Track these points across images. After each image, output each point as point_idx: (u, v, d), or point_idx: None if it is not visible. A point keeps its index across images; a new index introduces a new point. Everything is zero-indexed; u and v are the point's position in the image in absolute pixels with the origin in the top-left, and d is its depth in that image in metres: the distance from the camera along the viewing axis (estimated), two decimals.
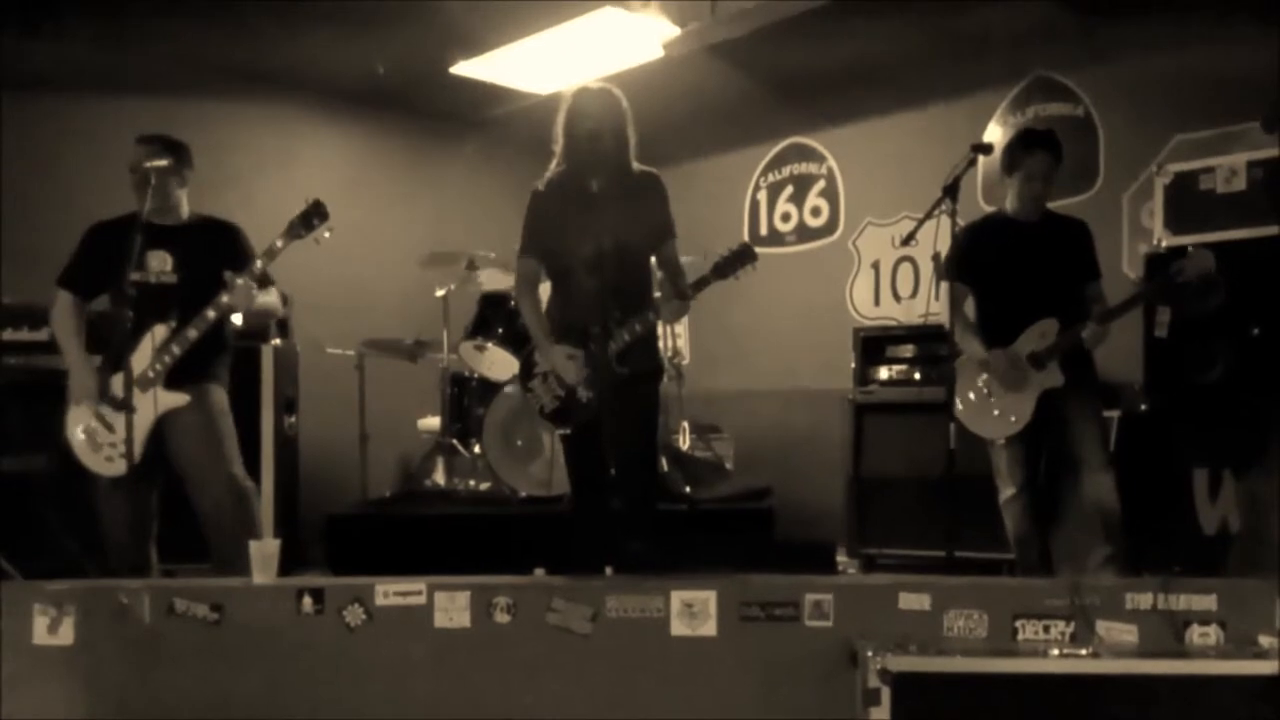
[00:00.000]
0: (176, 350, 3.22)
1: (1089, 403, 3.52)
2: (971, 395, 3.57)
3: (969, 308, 3.68)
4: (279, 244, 3.21)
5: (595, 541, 3.10)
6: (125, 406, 3.00)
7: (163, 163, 3.28)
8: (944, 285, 3.62)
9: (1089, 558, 3.45)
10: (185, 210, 3.46)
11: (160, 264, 3.32)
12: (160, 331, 3.23)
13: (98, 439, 3.23)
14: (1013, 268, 3.55)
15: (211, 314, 3.22)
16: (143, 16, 4.81)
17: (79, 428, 3.26)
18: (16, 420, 3.96)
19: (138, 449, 3.12)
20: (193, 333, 3.21)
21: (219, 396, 3.39)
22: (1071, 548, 3.58)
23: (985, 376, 3.54)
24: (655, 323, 3.10)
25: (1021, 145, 3.60)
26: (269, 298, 3.41)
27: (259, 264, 3.24)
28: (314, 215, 3.22)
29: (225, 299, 3.20)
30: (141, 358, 3.22)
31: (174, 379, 3.25)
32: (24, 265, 4.51)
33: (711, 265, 3.03)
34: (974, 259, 3.54)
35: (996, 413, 3.53)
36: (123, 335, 3.12)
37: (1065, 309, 3.51)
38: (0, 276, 4.32)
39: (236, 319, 3.46)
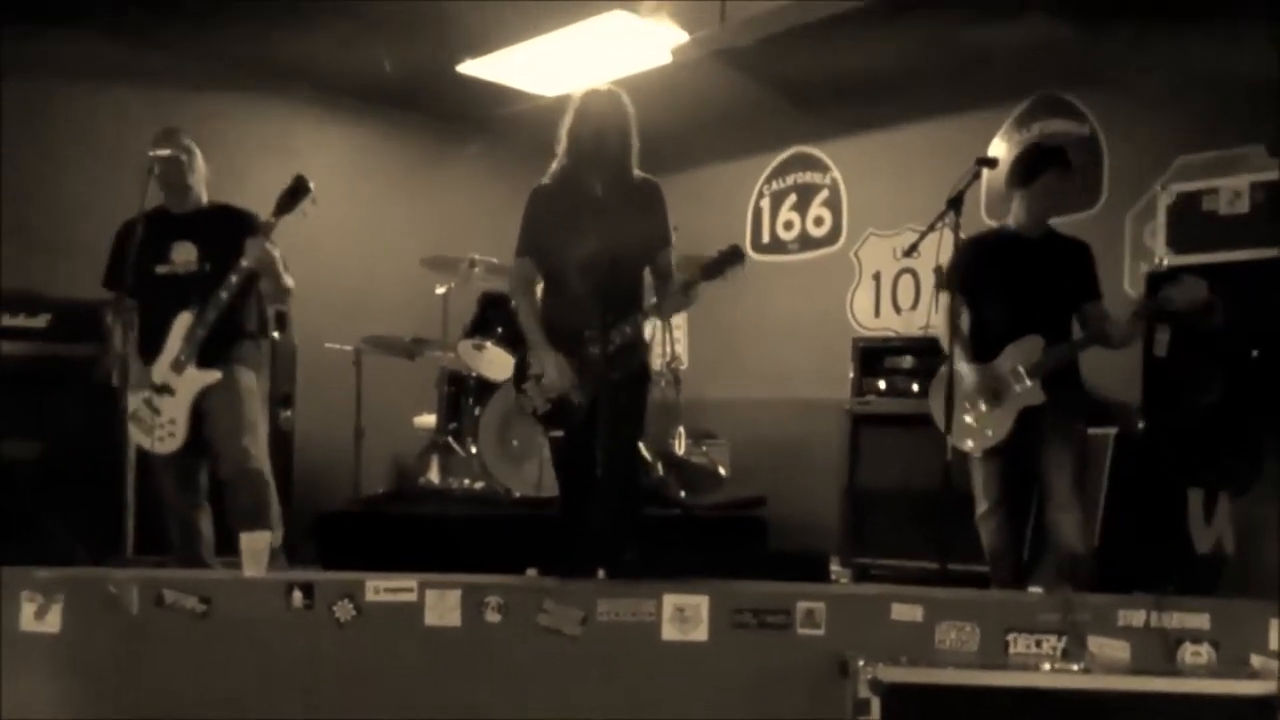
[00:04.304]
0: (202, 332, 3.37)
1: (1067, 429, 3.48)
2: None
3: (964, 321, 3.66)
4: (273, 219, 3.39)
5: (583, 545, 3.09)
6: (121, 385, 3.25)
7: (165, 153, 3.39)
8: (941, 296, 3.62)
9: (1035, 584, 3.48)
10: (204, 198, 3.59)
11: (185, 255, 3.48)
12: (186, 318, 3.39)
13: (146, 422, 3.40)
14: (1009, 283, 3.54)
15: (233, 278, 3.36)
16: (148, 10, 4.81)
17: (130, 414, 3.44)
18: (9, 407, 3.93)
19: (183, 429, 3.39)
20: (212, 313, 3.37)
21: (246, 379, 3.52)
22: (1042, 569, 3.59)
23: (965, 389, 3.52)
24: (643, 326, 3.10)
25: (1036, 161, 3.60)
26: (288, 280, 3.55)
27: (261, 235, 3.38)
28: (299, 190, 3.39)
29: (243, 262, 3.34)
30: (173, 345, 3.40)
31: (207, 359, 3.40)
32: (23, 251, 4.51)
33: (702, 268, 3.02)
34: (974, 272, 3.53)
35: (974, 426, 3.53)
36: (124, 323, 3.37)
37: (1055, 329, 3.52)
38: (1, 262, 4.30)
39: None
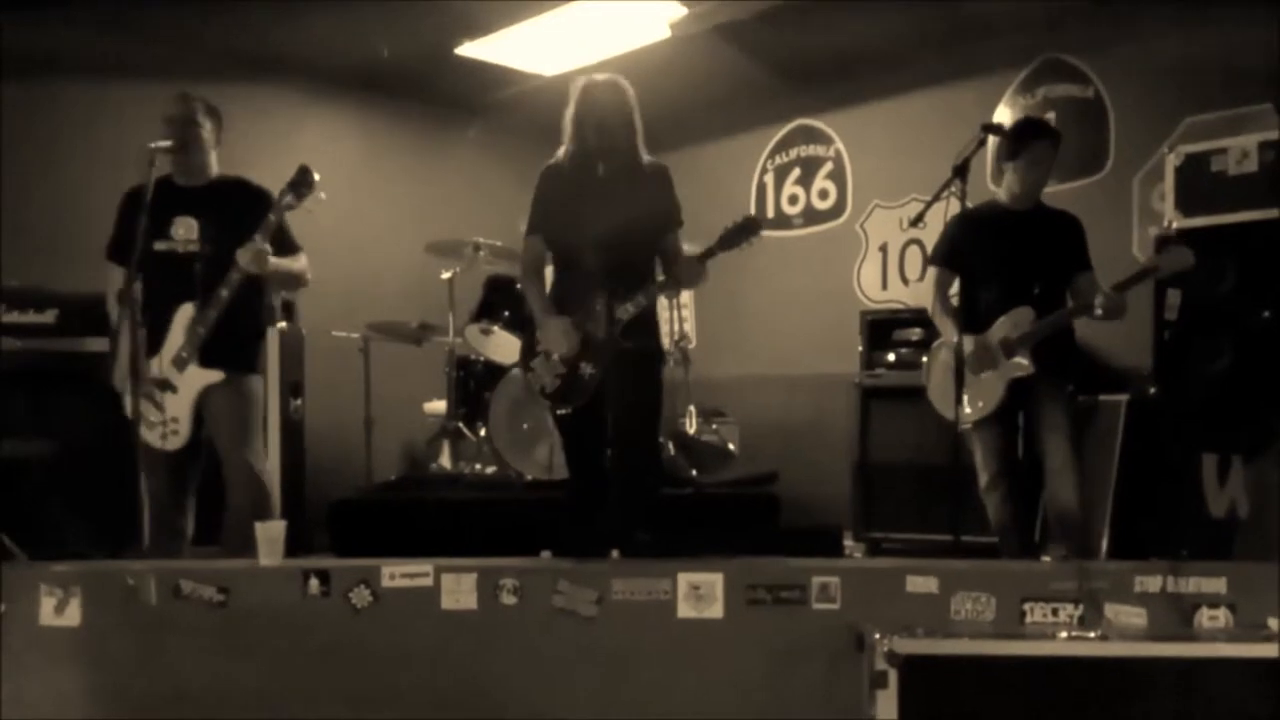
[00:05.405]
0: (202, 331, 3.21)
1: (1057, 396, 3.51)
2: (941, 377, 3.57)
3: (953, 293, 3.70)
4: (271, 218, 3.20)
5: (592, 524, 3.10)
6: (136, 382, 3.07)
7: (165, 144, 3.26)
8: (930, 271, 3.66)
9: (1048, 554, 3.48)
10: (214, 170, 3.40)
11: (186, 232, 3.27)
12: (188, 310, 3.23)
13: (151, 418, 3.23)
14: (1000, 256, 3.55)
15: (227, 289, 3.19)
16: (146, 4, 4.78)
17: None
18: (18, 404, 3.94)
19: (186, 427, 3.24)
20: (213, 312, 3.20)
21: (255, 384, 3.38)
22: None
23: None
24: (656, 298, 3.12)
25: (1025, 133, 3.62)
26: (295, 264, 3.36)
27: (259, 236, 3.19)
28: (301, 184, 3.18)
29: (236, 270, 3.18)
30: (174, 339, 3.24)
31: (211, 359, 3.24)
32: (26, 248, 4.50)
33: (718, 237, 3.06)
34: (963, 247, 3.55)
35: (965, 397, 3.51)
36: (131, 313, 3.15)
37: (1046, 301, 3.53)
38: (1, 259, 4.30)
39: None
